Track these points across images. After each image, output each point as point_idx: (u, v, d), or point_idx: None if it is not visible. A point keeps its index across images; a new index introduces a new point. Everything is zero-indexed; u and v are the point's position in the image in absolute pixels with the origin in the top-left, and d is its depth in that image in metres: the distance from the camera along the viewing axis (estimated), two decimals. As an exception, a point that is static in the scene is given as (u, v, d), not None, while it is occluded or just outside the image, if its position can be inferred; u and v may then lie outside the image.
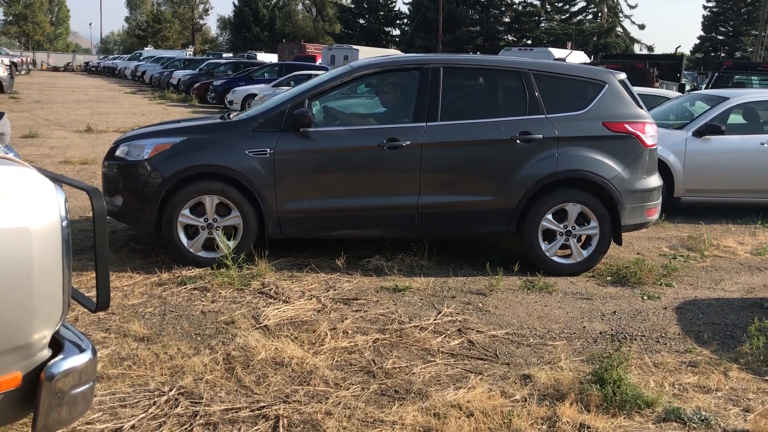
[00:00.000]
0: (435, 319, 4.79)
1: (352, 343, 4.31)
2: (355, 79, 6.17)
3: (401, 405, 3.55)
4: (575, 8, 58.54)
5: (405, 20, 61.05)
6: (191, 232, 5.72)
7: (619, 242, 6.12)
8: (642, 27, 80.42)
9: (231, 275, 5.31)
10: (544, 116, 5.91)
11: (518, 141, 5.83)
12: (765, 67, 17.60)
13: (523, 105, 5.96)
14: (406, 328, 4.62)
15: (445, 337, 4.51)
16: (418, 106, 5.89)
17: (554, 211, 5.89)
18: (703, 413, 3.55)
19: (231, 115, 6.42)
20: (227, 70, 28.52)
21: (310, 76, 21.13)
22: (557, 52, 25.10)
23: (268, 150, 5.64)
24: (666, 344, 4.55)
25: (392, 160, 5.76)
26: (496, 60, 6.51)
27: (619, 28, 59.53)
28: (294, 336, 4.38)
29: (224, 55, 49.64)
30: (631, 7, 72.44)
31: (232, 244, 5.64)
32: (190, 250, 5.67)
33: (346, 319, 4.72)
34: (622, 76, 6.27)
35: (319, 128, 5.85)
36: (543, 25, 58.12)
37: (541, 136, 5.83)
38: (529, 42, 54.23)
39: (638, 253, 6.84)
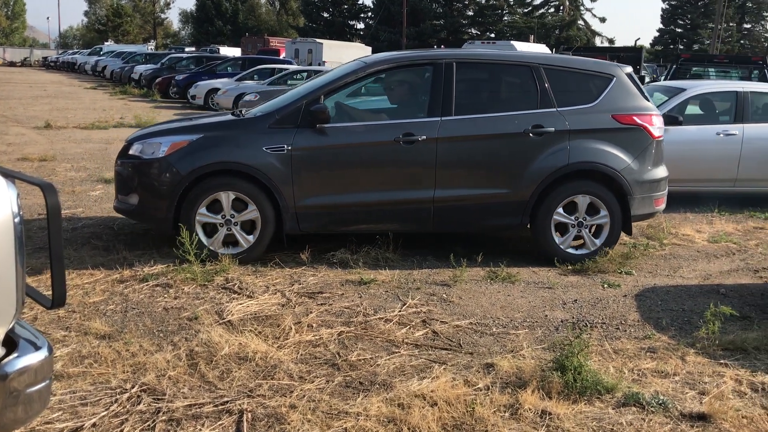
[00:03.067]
0: (400, 311, 4.82)
1: (316, 337, 4.31)
2: (369, 75, 6.19)
3: (366, 396, 3.57)
4: (537, 1, 59.11)
5: (369, 14, 60.97)
6: (209, 229, 5.73)
7: (629, 232, 6.26)
8: (603, 20, 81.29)
9: (194, 271, 5.26)
10: (555, 109, 5.99)
11: (531, 134, 5.92)
12: (721, 59, 17.99)
13: (535, 99, 6.04)
14: (371, 320, 4.64)
15: (409, 328, 4.54)
16: (432, 100, 5.94)
17: (565, 203, 6.00)
18: (661, 397, 3.63)
19: (243, 112, 6.42)
20: (189, 65, 28.20)
21: (273, 71, 21.05)
22: (519, 45, 25.30)
23: (286, 146, 5.65)
24: (626, 331, 4.64)
25: (408, 154, 5.81)
26: (507, 54, 6.68)
27: (580, 21, 60.25)
28: (258, 331, 4.36)
29: (186, 49, 48.92)
30: (592, 0, 73.48)
31: (251, 239, 5.71)
32: (210, 247, 5.67)
33: (311, 312, 4.71)
34: (629, 69, 6.40)
35: (336, 124, 5.85)
36: (506, 18, 58.54)
37: (553, 129, 5.92)
38: (492, 35, 54.57)
39: (599, 243, 6.94)
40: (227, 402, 3.45)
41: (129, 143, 6.03)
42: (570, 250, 6.08)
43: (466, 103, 5.99)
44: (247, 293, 5.04)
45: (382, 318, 4.68)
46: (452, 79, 5.95)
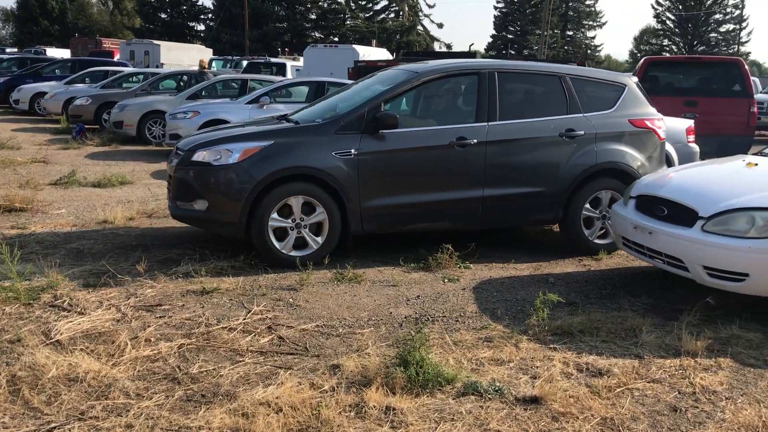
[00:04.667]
0: (244, 319, 4.72)
1: (155, 351, 4.12)
2: (423, 84, 6.58)
3: (208, 409, 3.46)
4: (378, 6, 60.38)
5: (210, 15, 59.40)
6: (279, 232, 5.90)
7: None
8: (440, 26, 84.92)
9: (16, 289, 4.85)
10: (582, 115, 6.72)
11: (565, 137, 6.59)
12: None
13: (564, 105, 6.74)
14: (213, 330, 4.50)
15: (254, 335, 4.46)
16: (479, 107, 6.47)
17: (591, 198, 6.69)
18: (498, 384, 3.81)
19: (289, 116, 6.71)
20: (11, 67, 25.97)
21: (107, 73, 19.93)
22: (362, 50, 25.72)
23: (353, 151, 5.98)
24: (465, 323, 4.84)
25: (461, 157, 6.31)
26: (539, 65, 7.40)
27: (419, 27, 62.24)
28: (90, 349, 4.10)
29: (8, 50, 45.07)
30: (430, 7, 76.16)
31: (320, 239, 5.97)
32: (282, 250, 5.87)
33: (149, 326, 4.50)
34: (636, 79, 7.26)
35: (397, 129, 6.14)
36: (348, 22, 59.28)
37: (582, 132, 6.64)
38: (336, 39, 55.08)
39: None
40: (55, 428, 3.21)
41: (192, 150, 6.03)
42: (597, 241, 6.77)
43: (508, 110, 6.56)
44: (78, 310, 4.72)
45: (226, 327, 4.56)
46: (495, 87, 6.50)
